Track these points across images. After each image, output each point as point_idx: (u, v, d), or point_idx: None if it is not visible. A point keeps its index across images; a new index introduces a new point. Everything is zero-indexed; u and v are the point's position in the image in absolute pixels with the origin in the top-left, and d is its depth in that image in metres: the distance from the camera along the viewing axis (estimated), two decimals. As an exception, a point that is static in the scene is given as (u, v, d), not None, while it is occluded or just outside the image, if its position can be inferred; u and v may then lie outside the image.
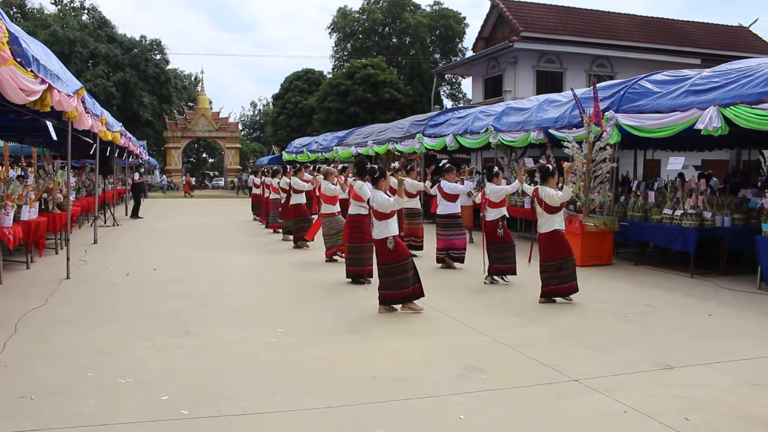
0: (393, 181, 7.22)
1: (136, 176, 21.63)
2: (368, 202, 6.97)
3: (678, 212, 9.28)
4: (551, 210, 7.18)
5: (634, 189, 11.22)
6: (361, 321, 6.45)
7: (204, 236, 14.76)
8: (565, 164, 7.31)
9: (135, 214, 19.81)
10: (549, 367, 4.95)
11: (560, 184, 7.27)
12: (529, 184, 8.72)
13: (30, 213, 9.24)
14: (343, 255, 9.91)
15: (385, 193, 6.85)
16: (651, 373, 4.84)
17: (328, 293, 7.91)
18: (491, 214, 8.50)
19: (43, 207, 10.43)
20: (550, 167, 7.51)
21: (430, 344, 5.61)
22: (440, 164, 11.95)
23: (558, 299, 7.31)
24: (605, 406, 4.15)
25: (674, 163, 9.88)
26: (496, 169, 8.88)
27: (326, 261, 10.39)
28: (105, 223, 16.59)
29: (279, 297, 7.73)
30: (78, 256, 10.23)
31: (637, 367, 4.95)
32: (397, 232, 6.85)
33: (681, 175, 13.90)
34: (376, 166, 7.14)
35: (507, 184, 9.21)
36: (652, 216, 9.89)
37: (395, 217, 6.88)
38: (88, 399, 4.13)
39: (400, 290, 6.74)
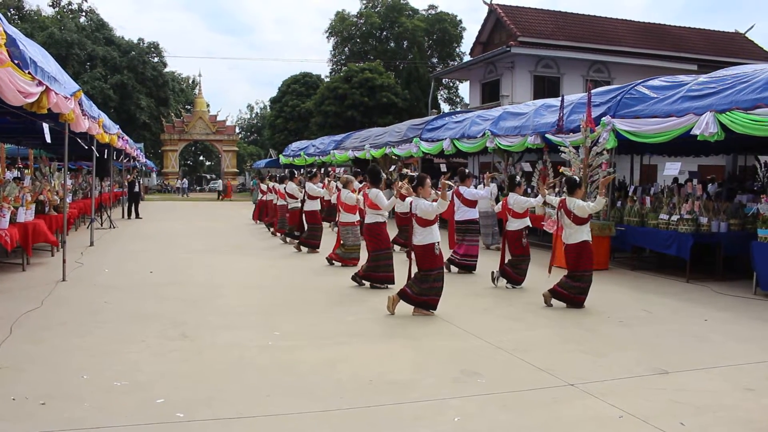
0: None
1: (128, 177, 21.86)
2: (411, 209, 6.93)
3: (674, 217, 9.31)
4: (580, 221, 7.23)
5: (630, 194, 11.25)
6: (357, 324, 6.44)
7: (202, 239, 14.72)
8: (602, 178, 7.43)
9: (129, 214, 20.53)
10: (545, 371, 4.95)
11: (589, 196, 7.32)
12: (555, 196, 8.79)
13: (26, 215, 9.22)
14: (346, 265, 9.95)
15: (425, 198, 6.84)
16: (647, 377, 4.85)
17: (324, 297, 7.90)
18: (514, 225, 8.52)
19: (39, 209, 10.41)
20: (578, 179, 7.58)
21: (426, 348, 5.61)
22: (439, 168, 11.89)
23: (555, 303, 7.34)
24: (601, 411, 4.16)
25: (671, 169, 9.92)
26: (518, 178, 8.91)
27: (326, 260, 10.40)
28: (101, 225, 16.57)
29: (276, 300, 7.72)
30: (74, 259, 10.22)
31: (632, 372, 4.96)
32: (440, 239, 6.86)
33: (676, 180, 14.01)
34: (414, 175, 7.13)
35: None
36: (649, 221, 9.91)
37: (438, 223, 6.88)
38: (82, 401, 4.11)
39: (433, 296, 6.77)
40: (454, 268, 9.77)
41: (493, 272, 8.62)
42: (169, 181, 48.45)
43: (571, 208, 7.21)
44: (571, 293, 7.24)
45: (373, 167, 9.11)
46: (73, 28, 46.03)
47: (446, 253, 9.47)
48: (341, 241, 10.24)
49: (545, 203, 11.75)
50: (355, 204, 9.90)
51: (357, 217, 10.16)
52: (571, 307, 7.24)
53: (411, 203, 6.93)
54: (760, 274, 8.06)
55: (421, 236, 6.79)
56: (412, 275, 6.95)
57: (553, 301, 7.35)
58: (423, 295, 6.76)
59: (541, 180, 8.77)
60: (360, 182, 11.25)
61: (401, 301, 6.81)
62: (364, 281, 8.48)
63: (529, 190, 12.91)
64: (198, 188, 57.75)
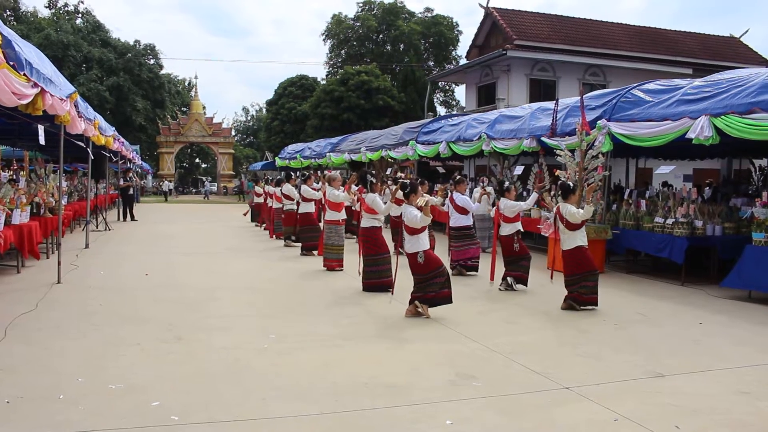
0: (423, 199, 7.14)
1: (121, 181, 21.73)
2: (401, 215, 6.91)
3: (669, 221, 9.33)
4: (573, 227, 7.25)
5: (626, 197, 11.28)
6: (352, 327, 6.44)
7: (197, 241, 14.70)
8: (588, 185, 7.44)
9: (125, 217, 20.48)
10: (540, 374, 4.96)
11: (582, 202, 7.34)
12: (551, 199, 8.79)
13: (21, 217, 9.18)
14: (340, 269, 9.90)
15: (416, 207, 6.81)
16: (642, 380, 4.86)
17: (319, 299, 7.89)
18: (506, 230, 8.56)
19: (34, 211, 10.37)
20: (571, 184, 7.60)
21: (421, 351, 5.60)
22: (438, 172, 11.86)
23: (555, 306, 7.37)
24: (596, 414, 4.16)
25: (663, 169, 9.98)
26: (507, 183, 8.92)
27: (327, 270, 10.07)
28: (97, 227, 16.51)
29: (271, 303, 7.71)
30: (69, 261, 10.18)
31: (628, 375, 4.97)
32: (427, 247, 6.85)
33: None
34: (407, 181, 7.12)
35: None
36: (644, 224, 9.93)
37: (426, 231, 6.87)
38: (77, 405, 4.10)
39: (439, 290, 6.76)
40: (473, 272, 9.73)
41: (499, 288, 8.56)
42: (165, 181, 48.33)
43: (564, 214, 7.25)
44: (581, 293, 7.26)
45: (363, 173, 9.06)
46: (69, 30, 45.95)
47: (443, 258, 9.50)
48: (325, 242, 10.05)
49: (540, 206, 11.79)
50: (340, 201, 9.80)
51: (343, 216, 10.05)
52: (584, 308, 7.28)
53: (383, 209, 6.96)
54: (740, 272, 8.04)
55: (409, 243, 6.82)
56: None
57: (554, 306, 7.38)
58: (431, 292, 6.74)
59: (537, 182, 8.78)
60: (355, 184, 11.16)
61: (421, 304, 6.80)
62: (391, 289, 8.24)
63: (525, 194, 12.93)
64: (194, 191, 57.60)
